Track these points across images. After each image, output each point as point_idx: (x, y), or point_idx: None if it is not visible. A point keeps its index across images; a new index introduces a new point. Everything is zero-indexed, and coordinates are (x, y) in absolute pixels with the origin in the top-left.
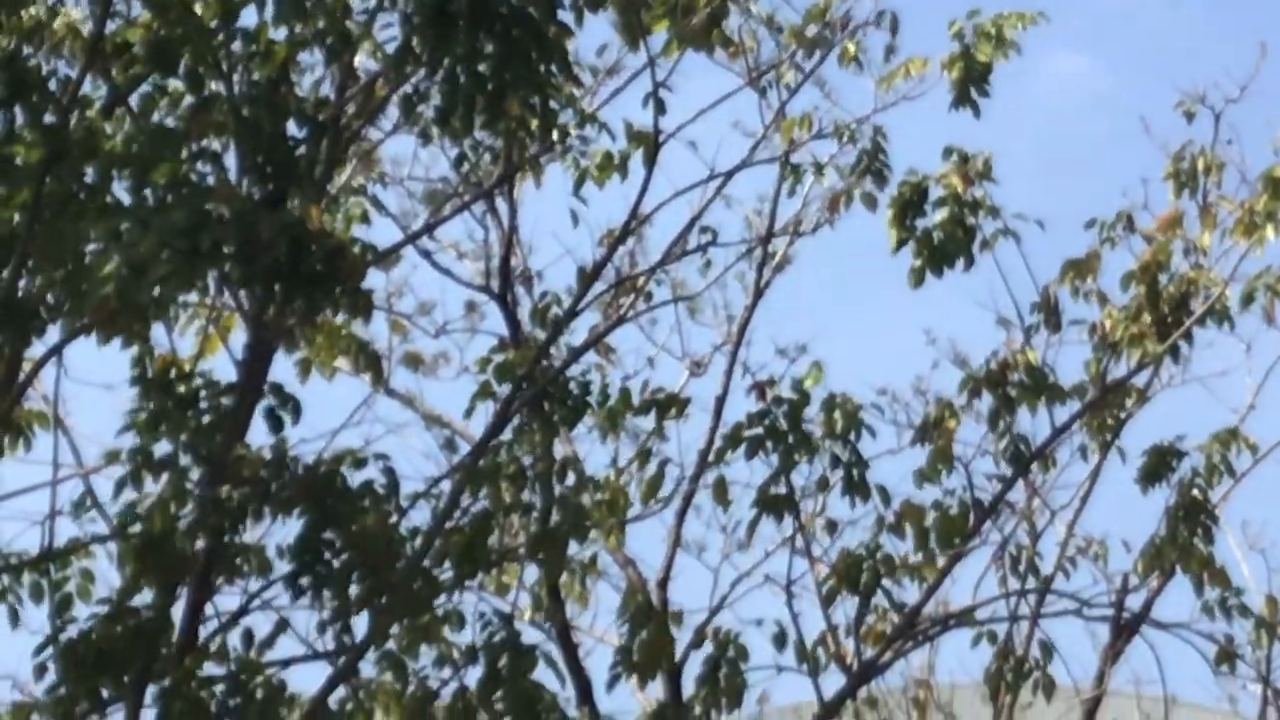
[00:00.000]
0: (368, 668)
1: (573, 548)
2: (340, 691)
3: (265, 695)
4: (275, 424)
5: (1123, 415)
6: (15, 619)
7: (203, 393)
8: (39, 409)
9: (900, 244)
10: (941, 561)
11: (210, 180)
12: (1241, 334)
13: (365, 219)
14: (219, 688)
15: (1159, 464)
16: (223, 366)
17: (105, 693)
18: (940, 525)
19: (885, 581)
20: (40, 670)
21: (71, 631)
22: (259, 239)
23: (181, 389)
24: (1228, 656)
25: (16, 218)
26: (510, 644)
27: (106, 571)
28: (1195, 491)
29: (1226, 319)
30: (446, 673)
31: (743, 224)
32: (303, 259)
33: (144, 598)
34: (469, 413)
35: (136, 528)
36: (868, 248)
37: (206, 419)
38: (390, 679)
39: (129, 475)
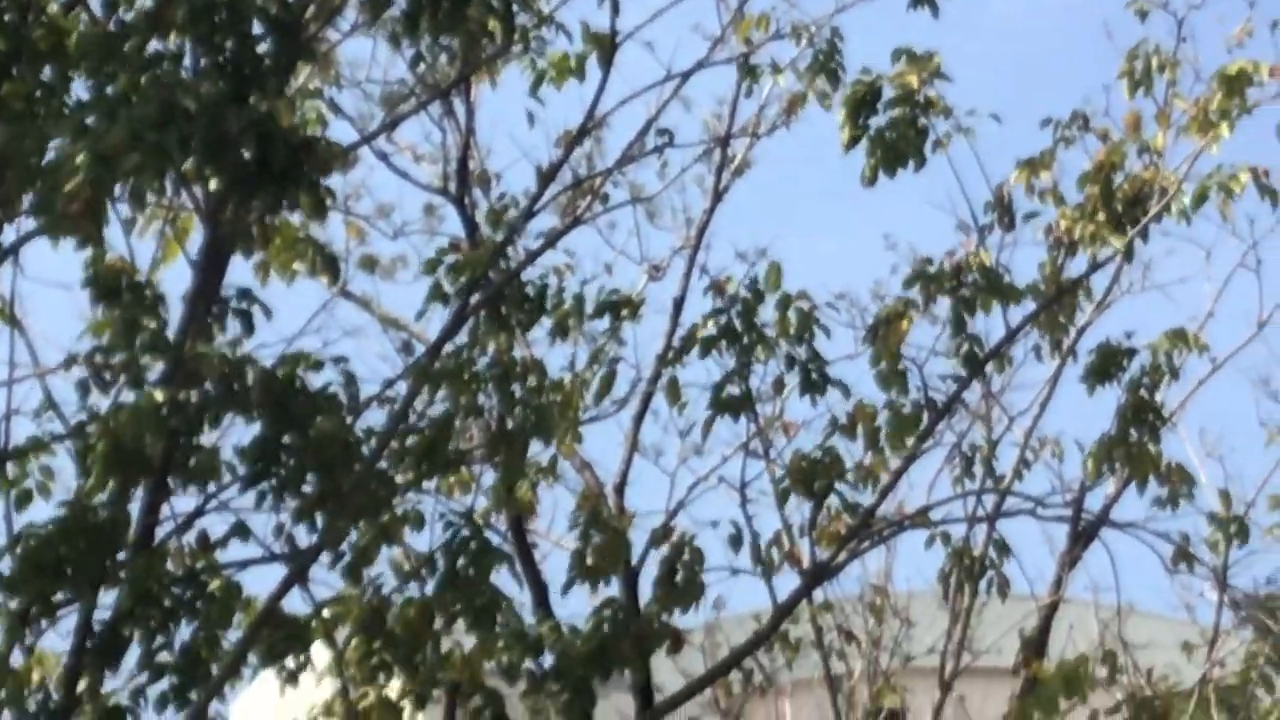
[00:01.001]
0: (325, 574)
1: (531, 450)
2: (298, 601)
3: (223, 595)
4: (246, 322)
5: (1080, 320)
6: None
7: (158, 297)
8: None
9: (853, 141)
10: (895, 463)
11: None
12: (1201, 240)
13: (322, 121)
14: (175, 588)
15: (1106, 363)
16: (180, 274)
17: (59, 596)
18: (892, 426)
19: (839, 484)
20: None
21: (29, 534)
22: (227, 133)
23: (133, 295)
24: (1184, 556)
25: None
26: (473, 541)
27: (65, 474)
28: (1143, 391)
29: (1184, 216)
30: (402, 578)
31: (701, 126)
32: (271, 152)
33: (101, 499)
34: (421, 315)
35: (94, 429)
36: (827, 152)
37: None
38: (348, 587)
39: (89, 379)
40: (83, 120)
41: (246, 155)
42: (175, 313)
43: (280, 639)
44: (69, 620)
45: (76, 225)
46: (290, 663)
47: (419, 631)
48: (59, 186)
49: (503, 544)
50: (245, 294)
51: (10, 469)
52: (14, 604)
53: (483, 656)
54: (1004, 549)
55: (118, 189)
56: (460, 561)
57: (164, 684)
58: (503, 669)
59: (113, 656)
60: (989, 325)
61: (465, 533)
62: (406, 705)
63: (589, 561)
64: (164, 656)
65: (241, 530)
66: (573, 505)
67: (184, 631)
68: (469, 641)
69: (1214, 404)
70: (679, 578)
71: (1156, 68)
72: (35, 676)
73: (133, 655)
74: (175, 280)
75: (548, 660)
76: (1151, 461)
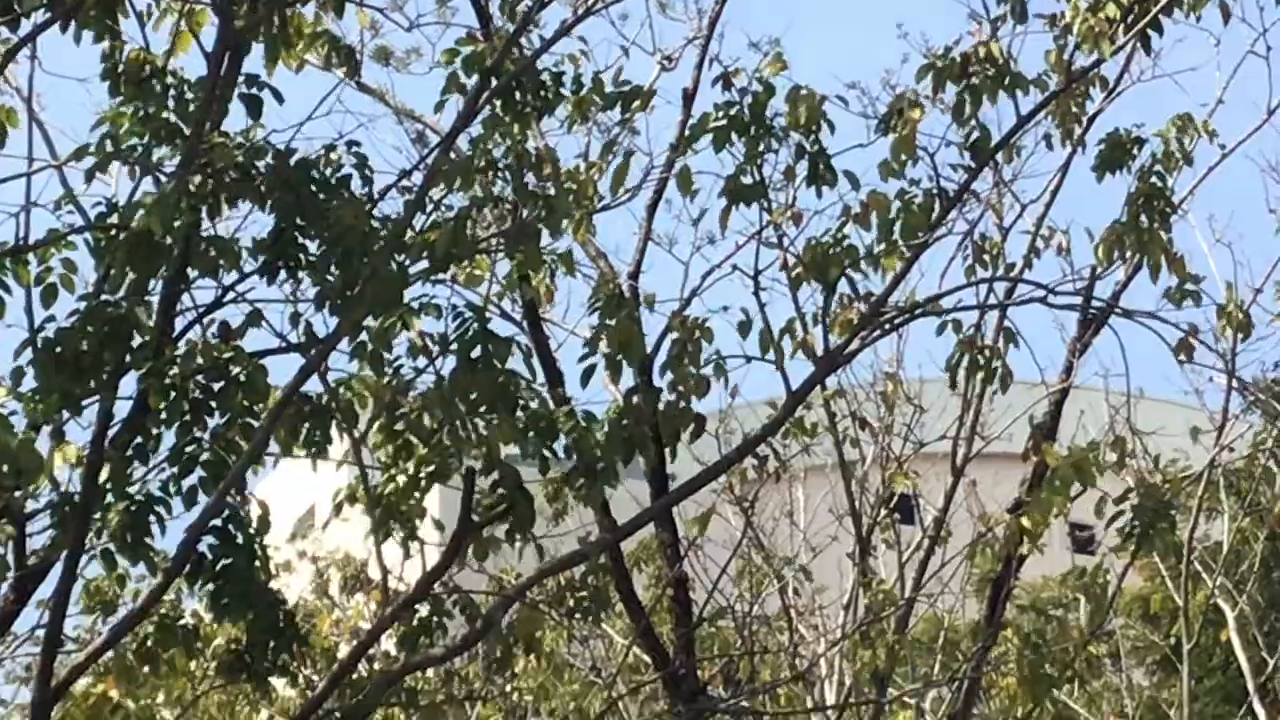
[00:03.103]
0: (342, 361)
1: (545, 240)
2: (316, 386)
3: (248, 378)
4: (254, 108)
5: (1090, 107)
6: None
7: (175, 87)
8: (11, 105)
9: None
10: (907, 253)
11: None
12: (1211, 29)
13: None
14: (199, 375)
15: (1116, 152)
16: (195, 64)
17: (81, 390)
18: (905, 216)
19: (852, 272)
20: (18, 374)
21: (50, 330)
22: None
23: (154, 83)
24: (1189, 346)
25: None
26: (484, 333)
27: (85, 268)
28: (1154, 180)
29: (1193, 10)
30: (421, 363)
31: None
32: None
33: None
34: (439, 106)
35: (113, 219)
36: None
37: (179, 112)
38: (366, 371)
39: (99, 163)
40: None
41: None
42: (191, 104)
43: (302, 420)
44: (92, 413)
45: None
46: (318, 441)
47: (437, 414)
48: None
49: (517, 333)
50: (254, 80)
51: (33, 264)
52: (37, 398)
53: (499, 438)
54: (1011, 337)
55: None
56: (475, 351)
57: (194, 477)
58: (522, 451)
59: (137, 449)
60: (1000, 115)
61: (476, 326)
62: (426, 487)
63: (605, 348)
64: (193, 449)
65: (256, 317)
66: (588, 294)
67: (212, 423)
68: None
69: (1223, 191)
70: (693, 364)
71: None
72: (58, 466)
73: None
74: (190, 73)
75: (560, 446)
76: (1162, 249)
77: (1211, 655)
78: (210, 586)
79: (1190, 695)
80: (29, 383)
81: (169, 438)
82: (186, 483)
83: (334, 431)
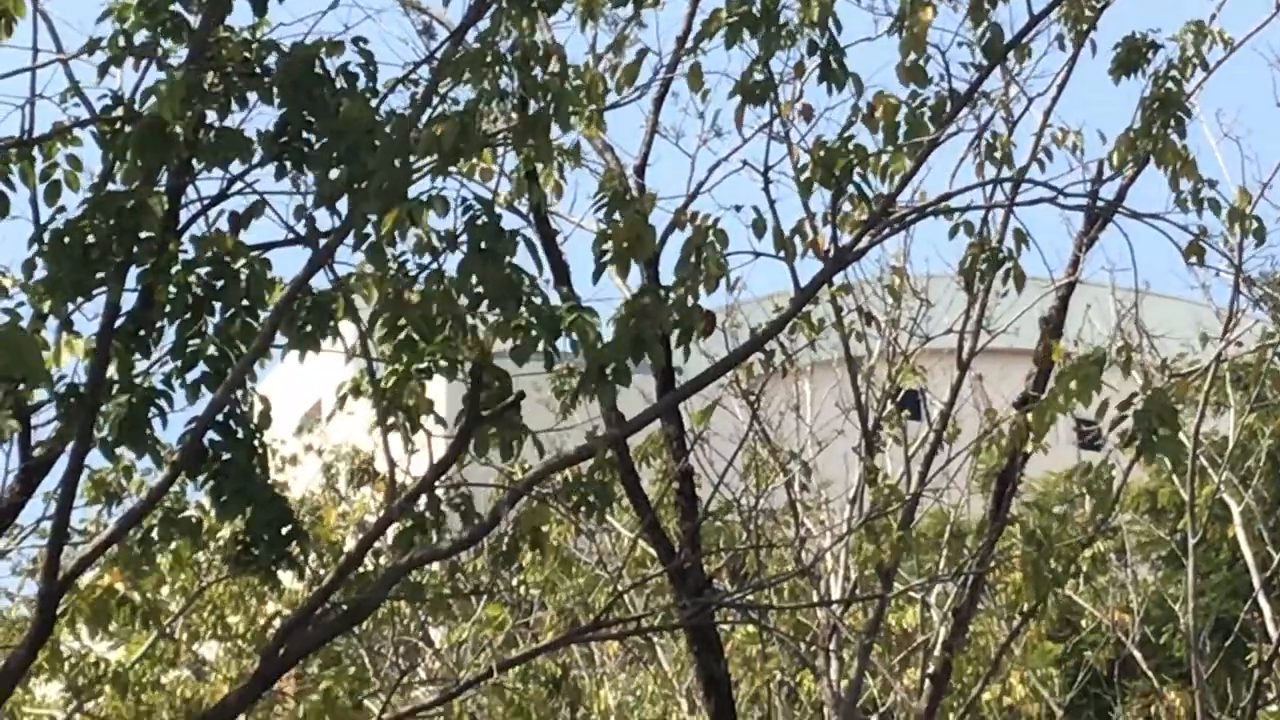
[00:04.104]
0: (348, 254)
1: (554, 134)
2: (322, 281)
3: (251, 274)
4: (259, 3)
5: (1099, 4)
6: (5, 208)
7: None
8: None
9: None
10: (914, 154)
11: None
12: None
13: None
14: (203, 270)
15: (1132, 55)
16: None
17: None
18: (912, 121)
19: (860, 174)
20: (29, 266)
21: (58, 222)
22: None
23: None
24: (1199, 249)
25: None
26: (490, 227)
27: (93, 162)
28: (1170, 84)
29: None
30: (426, 259)
31: None
32: None
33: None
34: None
35: (119, 112)
36: None
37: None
38: (370, 266)
39: (113, 57)
40: None
41: None
42: None
43: (306, 315)
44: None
45: None
46: (315, 333)
47: (442, 307)
48: None
49: (525, 227)
50: None
51: (38, 160)
52: (45, 292)
53: (499, 335)
54: (1023, 239)
55: None
56: (482, 245)
57: (197, 371)
58: (517, 350)
59: (142, 342)
60: (1013, 15)
61: (484, 219)
62: (429, 382)
63: (612, 243)
64: (196, 344)
65: (260, 206)
66: (595, 189)
67: (216, 317)
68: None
69: (1232, 86)
70: (701, 259)
71: None
72: (65, 359)
73: (162, 342)
74: None
75: (564, 343)
76: (1176, 154)
77: (1217, 550)
78: (211, 483)
79: (1196, 590)
80: (38, 276)
81: (173, 332)
82: (190, 377)
83: (340, 325)
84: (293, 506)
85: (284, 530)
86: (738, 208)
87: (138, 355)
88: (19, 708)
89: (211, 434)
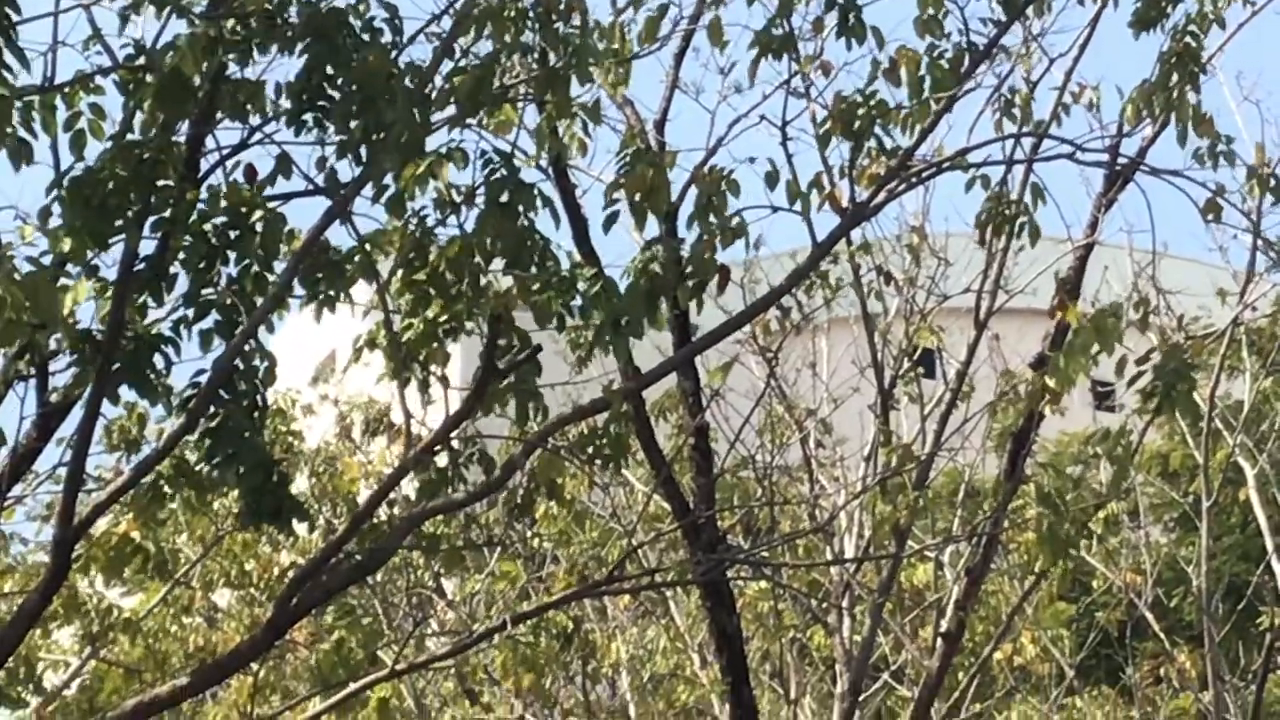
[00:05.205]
0: (366, 207)
1: (574, 89)
2: (339, 234)
3: (265, 227)
4: None
5: None
6: (29, 155)
7: None
8: None
9: None
10: (935, 108)
11: None
12: None
13: None
14: (219, 220)
15: (1152, 9)
16: None
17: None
18: (933, 71)
19: (879, 126)
20: (45, 213)
21: (78, 170)
22: None
23: None
24: (1216, 207)
25: None
26: (510, 180)
27: (116, 111)
28: (1188, 38)
29: None
30: (445, 214)
31: None
32: None
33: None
34: None
35: (141, 61)
36: None
37: None
38: (389, 220)
39: (131, 5)
40: None
41: None
42: None
43: (323, 268)
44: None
45: None
46: (332, 293)
47: (459, 265)
48: None
49: (543, 181)
50: None
51: (60, 109)
52: (63, 239)
53: (518, 295)
54: (1040, 193)
55: None
56: (501, 199)
57: (209, 320)
58: (534, 309)
59: (157, 289)
60: None
61: (504, 171)
62: (446, 337)
63: (627, 195)
64: (210, 292)
65: (284, 163)
66: (615, 144)
67: (231, 266)
68: (507, 282)
69: (1253, 49)
70: (716, 213)
71: None
72: (82, 306)
73: (177, 291)
74: None
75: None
76: (1191, 109)
77: (1230, 513)
78: (207, 441)
79: (1208, 553)
80: (56, 224)
81: (186, 282)
82: (201, 326)
83: (356, 277)
84: (290, 469)
85: (278, 494)
86: (752, 160)
87: (152, 302)
88: (36, 652)
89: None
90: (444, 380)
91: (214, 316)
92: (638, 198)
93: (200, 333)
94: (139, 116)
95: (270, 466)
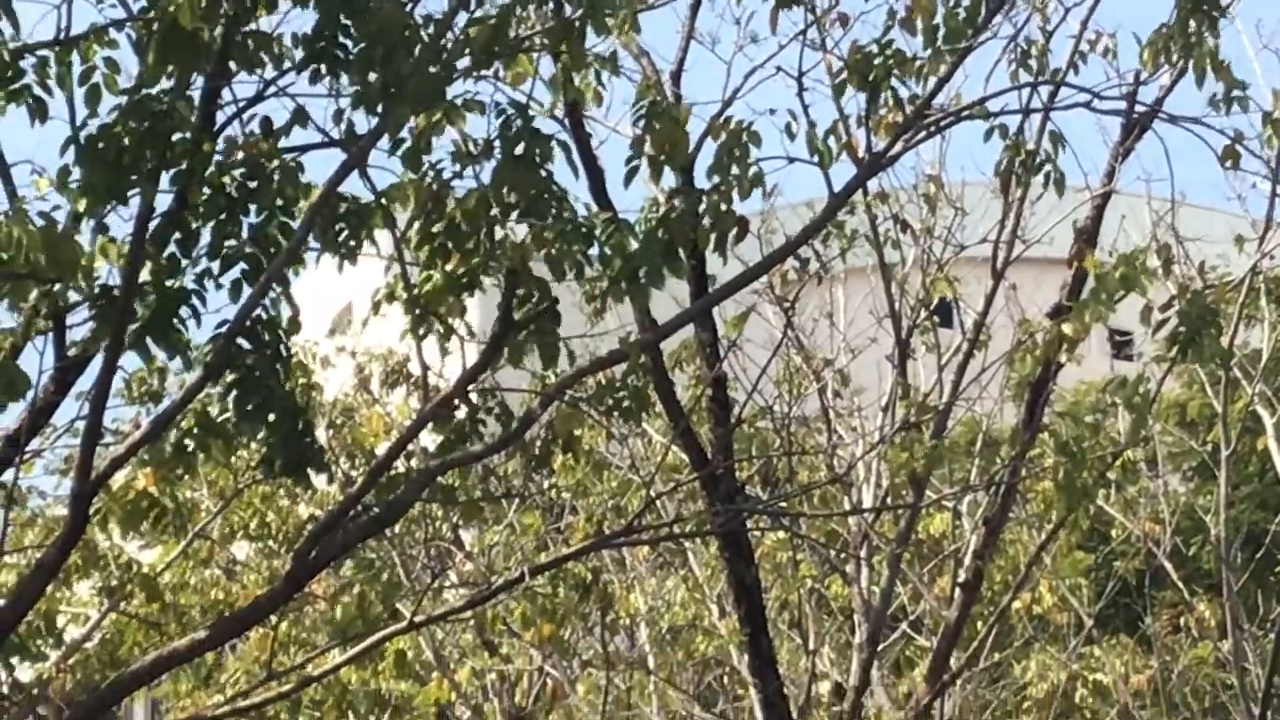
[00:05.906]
0: (383, 159)
1: (590, 40)
2: (357, 185)
3: (281, 178)
4: None
5: None
6: (44, 113)
7: None
8: None
9: None
10: (950, 58)
11: None
12: None
13: None
14: (237, 171)
15: None
16: None
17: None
18: (949, 20)
19: (896, 76)
20: (64, 170)
21: (93, 126)
22: None
23: None
24: (1234, 153)
25: None
26: (525, 130)
27: (129, 65)
28: None
29: None
30: (462, 165)
31: None
32: None
33: (162, 87)
34: None
35: (154, 14)
36: None
37: None
38: (406, 172)
39: None
40: None
41: None
42: None
43: (341, 220)
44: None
45: None
46: (353, 243)
47: (475, 217)
48: None
49: (560, 132)
50: None
51: (75, 64)
52: (80, 194)
53: (534, 246)
54: (1059, 141)
55: None
56: (517, 150)
57: (234, 272)
58: (551, 260)
59: (179, 244)
60: None
61: (519, 122)
62: (463, 290)
63: (648, 148)
64: (233, 244)
65: (300, 116)
66: (631, 95)
67: (251, 219)
68: (523, 231)
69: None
70: (736, 164)
71: None
72: (99, 260)
73: (198, 245)
74: None
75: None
76: (1208, 54)
77: (1248, 462)
78: (233, 391)
79: (1226, 502)
80: (73, 180)
81: (209, 234)
82: (229, 277)
83: (375, 229)
84: (314, 419)
85: (303, 444)
86: (771, 111)
87: (178, 255)
88: (56, 605)
89: (239, 339)
90: (467, 332)
91: (240, 267)
92: (657, 151)
93: (230, 283)
94: (151, 68)
95: (298, 416)
